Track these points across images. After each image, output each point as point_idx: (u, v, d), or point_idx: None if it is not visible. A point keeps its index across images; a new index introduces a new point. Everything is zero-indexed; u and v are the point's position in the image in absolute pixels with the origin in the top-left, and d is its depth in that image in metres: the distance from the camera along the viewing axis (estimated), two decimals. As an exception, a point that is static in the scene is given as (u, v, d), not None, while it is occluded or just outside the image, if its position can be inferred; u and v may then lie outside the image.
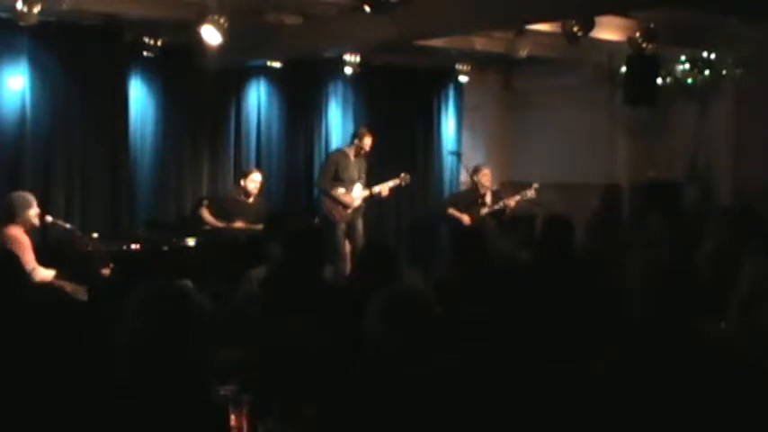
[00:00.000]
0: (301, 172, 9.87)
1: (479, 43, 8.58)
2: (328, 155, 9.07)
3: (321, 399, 2.84)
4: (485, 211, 9.03)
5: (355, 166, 8.80)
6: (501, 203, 9.06)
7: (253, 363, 3.58)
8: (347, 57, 8.98)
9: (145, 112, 8.74)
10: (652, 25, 7.61)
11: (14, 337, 2.64)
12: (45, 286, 5.92)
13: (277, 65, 9.17)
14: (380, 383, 2.68)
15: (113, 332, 2.57)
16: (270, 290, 4.32)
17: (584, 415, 2.72)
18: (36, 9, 6.52)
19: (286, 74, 9.38)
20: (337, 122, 10.07)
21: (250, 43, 7.96)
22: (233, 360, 3.51)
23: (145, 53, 8.32)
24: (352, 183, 8.75)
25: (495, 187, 9.43)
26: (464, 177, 10.15)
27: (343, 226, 8.70)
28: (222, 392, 2.91)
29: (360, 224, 8.87)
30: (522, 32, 7.86)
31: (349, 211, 8.76)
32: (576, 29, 7.13)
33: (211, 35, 7.06)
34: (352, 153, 8.81)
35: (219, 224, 8.15)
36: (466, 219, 8.97)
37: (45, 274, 6.10)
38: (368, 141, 8.79)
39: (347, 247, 8.73)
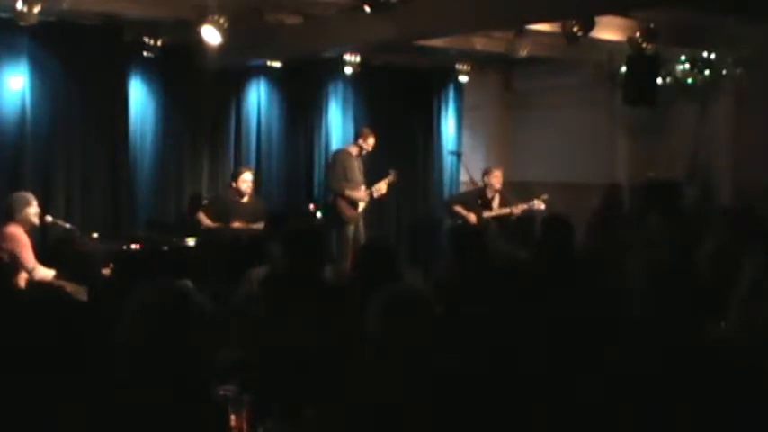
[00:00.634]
0: (301, 172, 9.88)
1: (479, 43, 8.58)
2: (334, 155, 9.02)
3: (321, 399, 2.84)
4: (490, 213, 8.98)
5: (359, 166, 8.82)
6: (508, 209, 9.00)
7: (253, 363, 3.59)
8: (347, 57, 8.98)
9: (145, 112, 8.74)
10: (652, 25, 7.61)
11: (14, 337, 2.64)
12: (45, 286, 5.93)
13: (277, 65, 9.17)
14: (380, 383, 2.68)
15: (113, 332, 2.57)
16: (270, 290, 4.32)
17: (583, 415, 2.72)
18: (36, 9, 6.53)
19: (286, 74, 9.39)
20: (337, 122, 10.07)
21: (250, 43, 7.96)
22: (233, 360, 3.51)
23: (145, 53, 8.33)
24: (358, 183, 8.78)
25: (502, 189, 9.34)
26: (464, 177, 10.14)
27: (352, 226, 8.75)
28: (222, 392, 2.91)
29: (362, 224, 8.90)
30: (522, 32, 7.86)
31: (359, 210, 8.80)
32: (576, 29, 7.13)
33: (211, 35, 7.07)
34: (355, 153, 8.82)
35: (216, 226, 8.15)
36: (472, 217, 8.92)
37: (45, 273, 6.10)
38: (371, 141, 8.80)
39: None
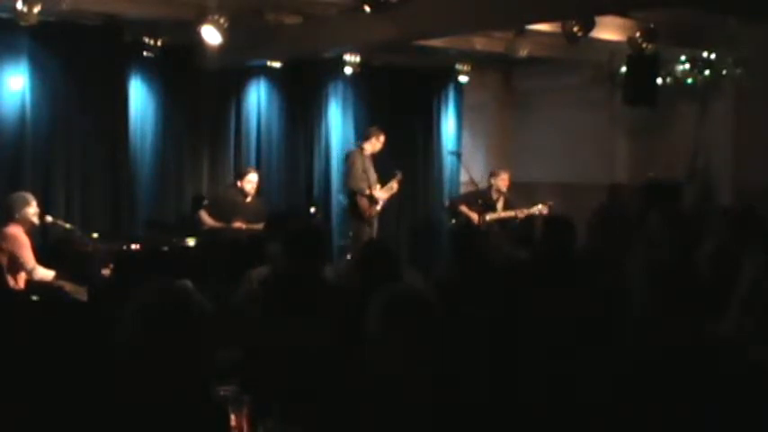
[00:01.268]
0: (301, 172, 9.87)
1: (479, 43, 8.58)
2: (351, 155, 8.95)
3: (321, 399, 2.84)
4: (494, 216, 8.95)
5: (371, 165, 8.84)
6: (512, 212, 8.98)
7: (253, 363, 3.59)
8: (347, 57, 8.99)
9: (145, 112, 8.74)
10: (652, 25, 7.61)
11: (14, 337, 2.64)
12: (45, 286, 5.93)
13: (277, 65, 9.17)
14: (380, 383, 2.68)
15: (113, 332, 2.57)
16: (270, 290, 4.32)
17: (583, 414, 2.72)
18: (36, 9, 6.53)
19: (286, 74, 9.39)
20: (337, 122, 10.07)
21: (250, 43, 7.96)
22: (233, 360, 3.50)
23: (145, 53, 8.33)
24: (374, 181, 8.82)
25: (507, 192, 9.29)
26: (464, 177, 10.14)
27: (371, 224, 8.83)
28: (222, 392, 2.90)
29: (376, 222, 8.97)
30: (522, 32, 7.86)
31: (378, 207, 8.85)
32: (576, 29, 7.14)
33: (211, 35, 7.07)
34: (368, 152, 8.85)
35: (218, 226, 8.15)
36: (475, 217, 8.91)
37: (45, 273, 6.11)
38: (383, 140, 8.89)
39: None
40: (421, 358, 2.70)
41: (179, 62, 8.60)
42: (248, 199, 8.34)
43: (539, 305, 3.44)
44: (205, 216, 8.24)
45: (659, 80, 8.44)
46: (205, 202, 8.54)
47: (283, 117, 9.71)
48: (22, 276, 6.07)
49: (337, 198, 9.68)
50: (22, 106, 7.84)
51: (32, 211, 6.26)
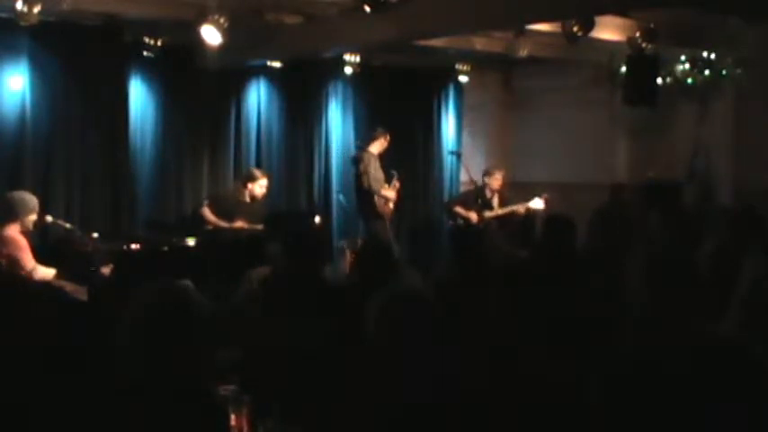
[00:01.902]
0: (301, 172, 9.87)
1: (479, 43, 8.58)
2: (365, 157, 8.95)
3: (321, 399, 2.84)
4: (491, 214, 8.97)
5: (379, 166, 8.92)
6: (509, 208, 8.99)
7: (253, 363, 3.59)
8: (347, 57, 8.99)
9: (145, 112, 8.73)
10: (652, 25, 7.61)
11: (14, 337, 2.64)
12: (45, 286, 5.92)
13: (277, 65, 9.17)
14: (381, 383, 2.68)
15: (113, 332, 2.57)
16: (270, 290, 4.33)
17: (582, 416, 2.72)
18: (36, 9, 6.52)
19: (286, 74, 9.38)
20: (337, 122, 10.07)
21: (250, 43, 7.96)
22: (233, 360, 3.51)
23: (145, 53, 8.33)
24: (382, 182, 8.88)
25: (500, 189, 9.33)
26: (464, 177, 10.14)
27: (387, 222, 8.92)
28: (222, 392, 2.91)
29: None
30: (522, 32, 7.86)
31: (391, 206, 8.95)
32: (576, 29, 7.13)
33: (211, 35, 7.06)
34: (377, 153, 8.90)
35: (221, 223, 8.15)
36: (473, 216, 8.92)
37: (45, 273, 6.10)
38: (388, 140, 8.95)
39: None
40: (420, 358, 2.70)
41: (179, 62, 8.59)
42: (250, 200, 8.35)
43: (539, 305, 3.43)
44: (208, 213, 8.24)
45: (659, 80, 8.44)
46: (206, 201, 8.52)
47: (283, 117, 9.71)
48: (22, 276, 6.06)
49: (337, 198, 9.68)
50: (22, 106, 7.83)
51: (33, 218, 6.21)
